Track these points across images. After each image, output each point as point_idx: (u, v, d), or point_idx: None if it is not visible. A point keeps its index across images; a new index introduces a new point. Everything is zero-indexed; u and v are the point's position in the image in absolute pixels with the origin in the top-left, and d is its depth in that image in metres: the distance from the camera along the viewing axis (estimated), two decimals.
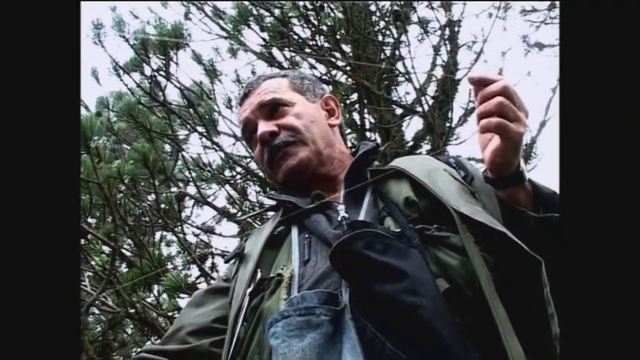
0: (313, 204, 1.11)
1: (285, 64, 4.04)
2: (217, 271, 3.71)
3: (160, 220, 3.63)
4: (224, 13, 4.30)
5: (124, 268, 3.59)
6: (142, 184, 3.64)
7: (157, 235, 4.16)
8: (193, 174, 4.02)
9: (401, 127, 4.37)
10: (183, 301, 3.15)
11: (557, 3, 4.68)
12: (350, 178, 1.13)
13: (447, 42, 4.37)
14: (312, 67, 4.31)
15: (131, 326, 4.32)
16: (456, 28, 4.48)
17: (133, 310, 3.08)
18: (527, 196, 0.97)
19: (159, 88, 3.64)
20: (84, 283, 3.05)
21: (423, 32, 4.42)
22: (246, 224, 3.70)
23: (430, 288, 0.84)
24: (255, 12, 3.96)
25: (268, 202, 1.27)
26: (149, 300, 3.37)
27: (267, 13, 4.02)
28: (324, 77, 4.18)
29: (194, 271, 4.07)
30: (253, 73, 4.26)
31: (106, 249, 3.14)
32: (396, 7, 4.29)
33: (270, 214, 1.27)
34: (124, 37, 3.43)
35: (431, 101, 4.22)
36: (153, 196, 3.56)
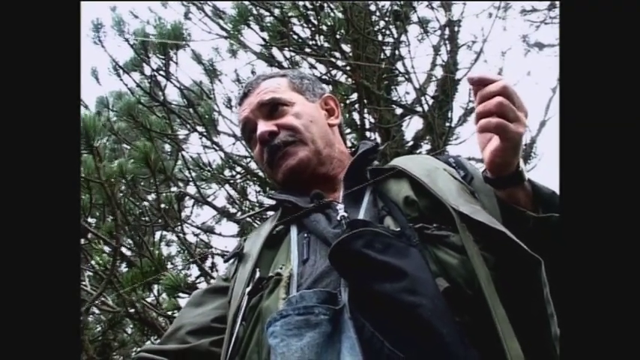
0: (312, 203, 1.11)
1: (285, 64, 4.04)
2: (217, 271, 3.71)
3: (159, 220, 3.63)
4: (224, 12, 4.30)
5: (124, 268, 3.60)
6: (142, 183, 3.64)
7: (157, 234, 4.16)
8: (193, 174, 4.02)
9: (401, 127, 4.37)
10: (183, 301, 3.15)
11: (557, 3, 4.68)
12: (349, 178, 1.13)
13: (446, 42, 4.37)
14: (311, 66, 4.31)
15: (131, 326, 4.33)
16: (456, 28, 4.49)
17: (132, 310, 3.08)
18: (527, 196, 0.97)
19: (159, 88, 3.64)
20: (84, 283, 3.05)
21: (423, 32, 4.43)
22: (246, 224, 3.70)
23: (430, 287, 0.84)
24: (255, 12, 3.96)
25: (268, 202, 1.27)
26: (149, 300, 3.37)
27: (267, 13, 4.02)
28: (323, 77, 4.18)
29: (194, 271, 4.08)
30: (253, 72, 4.26)
31: (106, 249, 3.15)
32: (395, 7, 4.29)
33: (270, 213, 1.27)
34: (123, 37, 3.43)
35: (431, 101, 4.22)
36: (153, 195, 3.56)
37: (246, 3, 3.88)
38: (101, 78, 3.80)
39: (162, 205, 3.48)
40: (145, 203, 3.76)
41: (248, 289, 1.01)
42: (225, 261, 1.24)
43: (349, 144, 2.22)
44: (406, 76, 4.09)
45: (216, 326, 1.10)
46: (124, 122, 3.80)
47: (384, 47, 4.40)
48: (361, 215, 1.02)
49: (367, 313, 0.84)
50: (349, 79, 4.10)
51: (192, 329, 1.11)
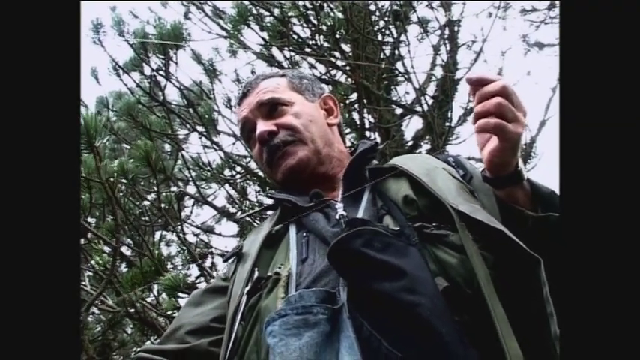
0: (312, 203, 1.11)
1: (285, 64, 4.04)
2: (217, 271, 3.71)
3: (159, 220, 3.63)
4: (224, 12, 4.30)
5: (124, 268, 3.60)
6: (142, 183, 3.64)
7: (157, 234, 4.16)
8: (193, 173, 4.02)
9: (401, 127, 4.37)
10: (182, 301, 3.15)
11: (557, 3, 4.68)
12: (349, 177, 1.13)
13: (446, 42, 4.37)
14: (311, 66, 4.31)
15: (131, 326, 4.32)
16: (456, 28, 4.48)
17: (132, 310, 3.08)
18: (526, 195, 0.97)
19: (158, 88, 3.64)
20: (84, 283, 3.05)
21: (423, 32, 4.43)
22: (246, 224, 3.70)
23: (429, 286, 0.84)
24: (254, 11, 3.96)
25: (268, 202, 1.27)
26: (149, 299, 3.37)
27: (266, 13, 4.02)
28: (323, 77, 4.19)
29: (194, 271, 4.08)
30: (253, 72, 4.26)
31: (106, 248, 3.14)
32: (395, 7, 4.29)
33: (270, 213, 1.27)
34: (123, 36, 3.44)
35: (430, 101, 4.22)
36: (153, 195, 3.56)
37: (246, 3, 3.88)
38: (101, 78, 3.81)
39: (162, 205, 3.48)
40: (145, 203, 3.76)
41: (247, 289, 1.01)
42: (224, 260, 1.24)
43: (349, 144, 2.22)
44: (406, 76, 4.09)
45: (215, 326, 1.10)
46: (123, 122, 3.80)
47: (384, 47, 4.40)
48: (360, 214, 1.02)
49: (366, 312, 0.84)
50: (349, 79, 4.10)
51: (191, 329, 1.11)
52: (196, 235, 4.15)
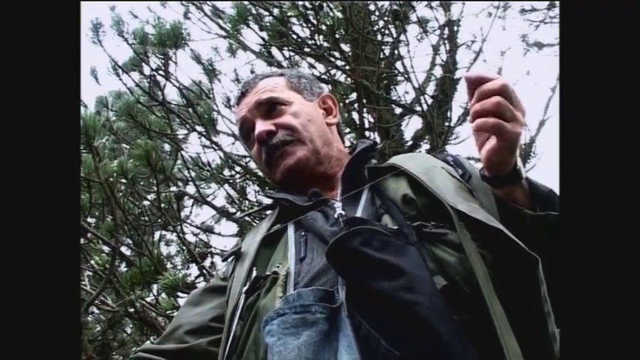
0: (310, 202, 1.11)
1: (285, 64, 4.04)
2: (216, 271, 3.71)
3: (159, 220, 3.63)
4: (223, 12, 4.30)
5: (123, 268, 3.60)
6: (142, 183, 3.64)
7: (157, 234, 4.16)
8: (192, 173, 4.01)
9: (400, 127, 4.37)
10: (182, 301, 3.15)
11: (557, 2, 4.68)
12: (347, 176, 1.13)
13: (446, 41, 4.38)
14: (311, 66, 4.31)
15: (130, 325, 4.32)
16: (455, 28, 4.48)
17: (132, 310, 3.08)
18: (525, 194, 0.97)
19: (158, 88, 3.64)
20: (83, 283, 3.05)
21: (422, 32, 4.43)
22: (245, 223, 3.70)
23: (427, 285, 0.84)
24: (254, 11, 3.96)
25: (267, 201, 1.27)
26: (148, 299, 3.37)
27: (266, 13, 4.02)
28: (323, 77, 4.18)
29: (193, 270, 4.08)
30: (252, 72, 4.26)
31: (105, 248, 3.14)
32: (395, 7, 4.29)
33: (269, 212, 1.27)
34: (123, 36, 3.43)
35: (430, 101, 4.22)
36: (152, 195, 3.56)
37: (246, 3, 3.88)
38: (100, 77, 3.81)
39: (162, 205, 3.48)
40: (145, 203, 3.76)
41: (245, 288, 1.01)
42: (223, 260, 1.24)
43: (349, 143, 2.22)
44: (405, 76, 4.09)
45: (214, 325, 1.09)
46: (123, 122, 3.80)
47: (384, 47, 4.40)
48: (359, 213, 1.02)
49: (364, 311, 0.84)
50: (348, 79, 4.10)
51: (190, 329, 1.11)
52: (196, 234, 4.15)
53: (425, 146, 4.30)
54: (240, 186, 4.18)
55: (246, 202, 4.18)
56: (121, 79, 3.58)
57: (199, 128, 3.81)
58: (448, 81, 4.08)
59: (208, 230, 4.48)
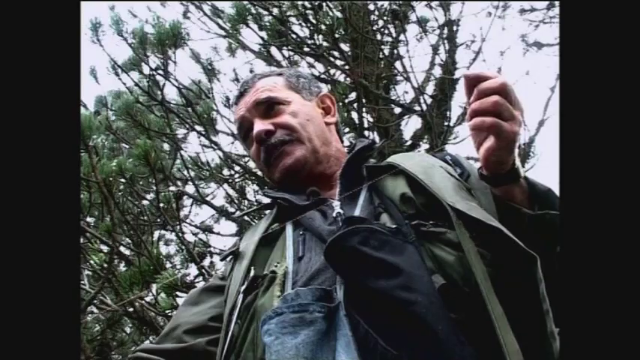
0: (309, 201, 1.11)
1: (284, 63, 4.04)
2: (216, 270, 3.71)
3: (158, 219, 3.63)
4: (222, 12, 4.30)
5: (122, 267, 3.60)
6: (141, 182, 3.64)
7: (156, 233, 4.16)
8: (192, 173, 4.02)
9: (399, 126, 4.37)
10: (181, 300, 3.15)
11: (556, 2, 4.68)
12: (346, 175, 1.13)
13: (445, 41, 4.37)
14: (310, 66, 4.31)
15: (130, 325, 4.33)
16: (455, 28, 4.48)
17: (131, 309, 3.08)
18: (523, 193, 0.97)
19: (157, 87, 3.64)
20: (82, 282, 3.05)
21: (422, 31, 4.43)
22: (244, 223, 3.70)
23: (425, 284, 0.84)
24: (253, 11, 3.96)
25: (266, 201, 1.28)
26: (148, 299, 3.37)
27: (265, 12, 4.02)
28: (322, 76, 4.18)
29: (192, 270, 4.08)
30: (252, 71, 4.26)
31: (104, 248, 3.14)
32: (394, 6, 4.29)
33: (268, 211, 1.27)
34: (122, 36, 3.43)
35: (429, 100, 4.22)
36: (152, 194, 3.56)
37: (245, 2, 3.88)
38: (100, 77, 3.81)
39: (161, 205, 3.48)
40: (144, 202, 3.76)
41: (243, 288, 1.01)
42: (222, 259, 1.24)
43: (347, 143, 2.22)
44: (405, 76, 4.09)
45: (213, 325, 1.09)
46: (122, 121, 3.80)
47: (383, 46, 4.40)
48: (357, 212, 1.02)
49: (362, 310, 0.84)
50: (348, 79, 4.10)
51: (188, 328, 1.11)
52: (195, 234, 4.15)
53: (424, 146, 4.30)
54: (239, 185, 4.19)
55: (246, 201, 4.18)
56: (120, 79, 3.58)
57: (198, 128, 3.81)
58: (447, 81, 4.08)
59: (207, 230, 4.48)
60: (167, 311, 3.06)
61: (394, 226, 0.94)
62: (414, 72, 3.95)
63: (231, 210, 4.30)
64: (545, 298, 0.84)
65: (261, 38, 4.08)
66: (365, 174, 1.11)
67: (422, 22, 4.36)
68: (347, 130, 4.10)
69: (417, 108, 4.16)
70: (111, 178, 2.72)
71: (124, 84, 3.61)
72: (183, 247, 3.92)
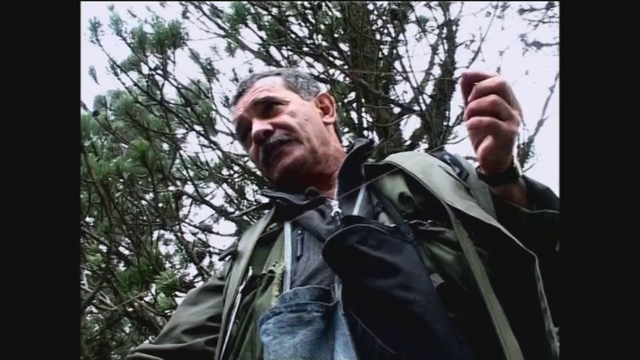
0: (307, 200, 1.11)
1: (283, 63, 4.04)
2: (215, 270, 3.71)
3: (157, 219, 3.63)
4: (222, 11, 4.29)
5: (122, 267, 3.59)
6: (140, 182, 3.64)
7: (155, 233, 4.16)
8: (191, 173, 4.01)
9: (399, 126, 4.37)
10: (180, 300, 3.15)
11: (556, 2, 4.68)
12: (344, 175, 1.13)
13: (444, 41, 4.37)
14: (309, 65, 4.31)
15: (129, 325, 4.32)
16: (454, 27, 4.48)
17: (130, 309, 3.08)
18: (521, 192, 0.97)
19: (156, 87, 3.64)
20: (82, 282, 3.05)
21: (421, 31, 4.42)
22: (244, 223, 3.70)
23: (424, 283, 0.84)
24: (252, 11, 3.96)
25: (265, 200, 1.28)
26: (147, 299, 3.37)
27: (264, 12, 4.02)
28: (321, 76, 4.18)
29: (192, 270, 4.08)
30: (251, 71, 4.26)
31: (103, 248, 3.14)
32: (393, 6, 4.29)
33: (266, 211, 1.27)
34: (121, 35, 3.43)
35: (428, 100, 4.22)
36: (151, 194, 3.56)
37: (244, 2, 3.88)
38: (99, 77, 3.80)
39: (160, 205, 3.48)
40: (143, 202, 3.76)
41: (241, 287, 1.01)
42: (220, 259, 1.24)
43: (347, 143, 2.22)
44: (404, 75, 4.09)
45: (211, 325, 1.09)
46: (121, 121, 3.80)
47: (382, 46, 4.40)
48: (355, 212, 1.02)
49: (360, 309, 0.84)
50: (347, 78, 4.10)
51: (187, 328, 1.11)
52: (194, 234, 4.15)
53: (423, 146, 4.30)
54: (238, 185, 4.18)
55: (245, 201, 4.18)
56: (119, 79, 3.57)
57: (198, 127, 3.81)
58: (446, 81, 4.08)
59: (207, 229, 4.48)
60: (166, 311, 3.06)
61: (393, 226, 0.94)
62: (414, 72, 3.95)
63: (231, 210, 4.30)
64: (544, 297, 0.84)
65: (261, 38, 4.08)
66: (363, 173, 1.11)
67: (421, 22, 4.36)
68: (346, 129, 4.10)
69: (417, 108, 4.16)
70: (110, 178, 2.72)
71: (123, 84, 3.60)
72: (182, 247, 3.92)
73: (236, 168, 4.15)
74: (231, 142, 4.08)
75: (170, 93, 4.18)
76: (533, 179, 0.99)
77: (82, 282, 3.02)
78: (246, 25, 3.94)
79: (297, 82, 1.30)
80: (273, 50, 4.18)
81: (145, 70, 3.55)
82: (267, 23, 4.03)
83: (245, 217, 3.80)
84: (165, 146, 4.45)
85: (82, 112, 3.40)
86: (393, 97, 4.43)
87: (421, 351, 0.79)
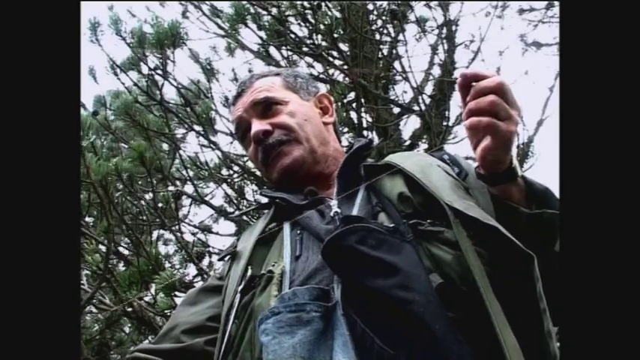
0: (306, 200, 1.11)
1: (283, 63, 4.04)
2: (214, 270, 3.70)
3: (157, 219, 3.63)
4: (221, 11, 4.29)
5: (121, 267, 3.59)
6: (140, 182, 3.64)
7: (155, 233, 4.16)
8: (191, 173, 4.01)
9: (398, 126, 4.37)
10: (179, 300, 3.14)
11: (555, 2, 4.68)
12: (343, 175, 1.13)
13: (444, 41, 4.37)
14: (309, 65, 4.31)
15: (129, 325, 4.32)
16: (454, 27, 4.48)
17: (130, 309, 3.08)
18: (520, 192, 0.97)
19: (156, 87, 3.64)
20: (81, 282, 3.05)
21: (421, 31, 4.42)
22: (243, 223, 3.70)
23: (423, 283, 0.84)
24: (252, 11, 3.96)
25: (265, 201, 1.28)
26: (147, 299, 3.37)
27: (264, 12, 4.02)
28: (321, 76, 4.18)
29: (191, 270, 4.08)
30: (250, 71, 4.26)
31: (103, 248, 3.14)
32: (393, 6, 4.29)
33: (266, 211, 1.27)
34: (121, 35, 3.43)
35: (428, 100, 4.22)
36: (150, 194, 3.56)
37: (244, 2, 3.88)
38: (98, 77, 3.80)
39: (160, 205, 3.48)
40: (143, 202, 3.76)
41: (240, 287, 1.01)
42: (219, 259, 1.24)
43: (346, 143, 2.22)
44: (403, 75, 4.09)
45: (210, 325, 1.09)
46: (121, 121, 3.80)
47: (382, 46, 4.40)
48: (355, 212, 1.02)
49: (359, 309, 0.84)
50: (346, 78, 4.10)
51: (186, 328, 1.11)
52: (194, 234, 4.15)
53: (423, 146, 4.30)
54: (238, 185, 4.18)
55: (244, 201, 4.18)
56: (119, 79, 3.57)
57: (197, 127, 3.81)
58: (446, 81, 4.08)
59: (206, 229, 4.48)
60: (166, 311, 3.06)
61: (392, 225, 0.94)
62: (413, 72, 3.95)
63: (230, 210, 4.30)
64: (543, 297, 0.84)
65: (260, 38, 4.08)
66: (362, 173, 1.11)
67: (421, 22, 4.35)
68: (346, 130, 4.10)
69: (416, 108, 4.16)
70: (109, 178, 2.71)
71: (123, 84, 3.60)
72: (181, 247, 3.92)
73: (235, 168, 4.15)
74: (231, 142, 4.09)
75: (170, 93, 4.19)
76: (532, 179, 0.99)
77: (81, 282, 3.02)
78: (246, 25, 3.94)
79: (297, 82, 1.30)
80: (272, 50, 4.18)
81: (145, 70, 3.55)
82: (266, 23, 4.03)
83: (244, 217, 3.80)
84: (165, 146, 4.45)
85: (82, 112, 3.40)
86: (392, 97, 4.43)
87: (420, 351, 0.79)
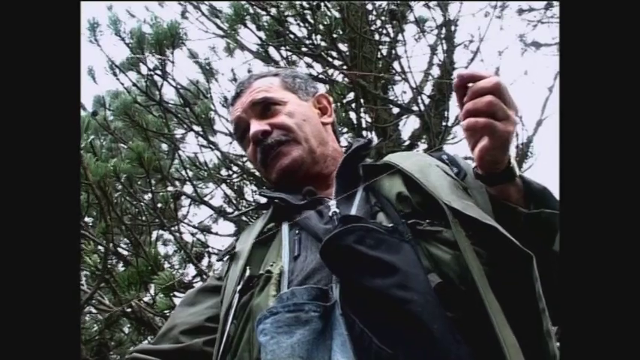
0: (305, 200, 1.11)
1: (282, 64, 4.04)
2: (213, 270, 3.70)
3: (156, 219, 3.63)
4: (220, 12, 4.29)
5: (120, 267, 3.59)
6: (139, 183, 3.64)
7: (154, 234, 4.15)
8: (190, 173, 4.01)
9: (397, 126, 4.37)
10: (179, 300, 3.14)
11: (555, 2, 4.68)
12: (342, 174, 1.13)
13: (443, 41, 4.37)
14: (308, 66, 4.31)
15: (128, 325, 4.32)
16: (453, 28, 4.48)
17: (129, 310, 3.07)
18: (518, 192, 0.97)
19: (155, 87, 3.63)
20: (80, 282, 3.04)
21: (420, 31, 4.42)
22: (243, 223, 3.70)
23: (421, 283, 0.84)
24: (251, 11, 3.96)
25: (264, 201, 1.28)
26: (146, 299, 3.36)
27: (263, 12, 4.02)
28: (320, 76, 4.18)
29: (191, 270, 4.08)
30: (250, 71, 4.25)
31: (101, 249, 3.14)
32: (392, 6, 4.29)
33: (265, 211, 1.27)
34: (120, 36, 3.43)
35: (427, 100, 4.22)
36: (149, 195, 3.55)
37: (243, 2, 3.88)
38: (97, 77, 3.80)
39: (159, 205, 3.48)
40: (142, 203, 3.76)
41: (239, 287, 1.02)
42: (218, 260, 1.24)
43: (345, 143, 2.22)
44: (403, 76, 4.09)
45: (209, 325, 1.09)
46: (120, 121, 3.80)
47: (381, 46, 4.40)
48: (353, 211, 1.02)
49: (358, 309, 0.84)
50: (346, 79, 4.10)
51: (185, 329, 1.11)
52: (193, 234, 4.15)
53: (422, 146, 4.30)
54: (237, 186, 4.18)
55: (244, 201, 4.18)
56: (118, 79, 3.57)
57: (196, 128, 3.80)
58: (445, 82, 4.08)
59: (206, 230, 4.47)
60: (165, 311, 3.05)
61: (390, 225, 0.94)
62: (412, 72, 3.95)
63: (230, 210, 4.30)
64: (541, 297, 0.84)
65: (259, 38, 4.08)
66: (361, 173, 1.11)
67: (420, 22, 4.35)
68: (345, 130, 4.10)
69: (415, 108, 4.16)
70: (108, 179, 2.71)
71: (122, 84, 3.60)
72: (181, 247, 3.92)
73: (235, 168, 4.14)
74: (230, 143, 4.08)
75: (169, 93, 4.19)
76: (530, 179, 0.99)
77: (81, 282, 3.02)
78: (245, 26, 3.94)
79: (295, 83, 1.30)
80: (271, 50, 4.18)
81: (144, 70, 3.55)
82: (265, 23, 4.03)
83: (244, 218, 3.80)
84: (164, 146, 4.45)
85: (81, 112, 3.40)
86: (391, 98, 4.43)
87: (418, 350, 0.79)
